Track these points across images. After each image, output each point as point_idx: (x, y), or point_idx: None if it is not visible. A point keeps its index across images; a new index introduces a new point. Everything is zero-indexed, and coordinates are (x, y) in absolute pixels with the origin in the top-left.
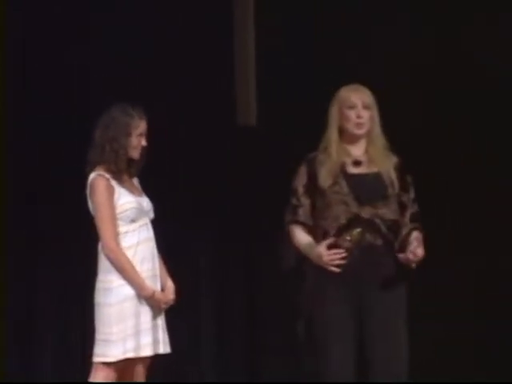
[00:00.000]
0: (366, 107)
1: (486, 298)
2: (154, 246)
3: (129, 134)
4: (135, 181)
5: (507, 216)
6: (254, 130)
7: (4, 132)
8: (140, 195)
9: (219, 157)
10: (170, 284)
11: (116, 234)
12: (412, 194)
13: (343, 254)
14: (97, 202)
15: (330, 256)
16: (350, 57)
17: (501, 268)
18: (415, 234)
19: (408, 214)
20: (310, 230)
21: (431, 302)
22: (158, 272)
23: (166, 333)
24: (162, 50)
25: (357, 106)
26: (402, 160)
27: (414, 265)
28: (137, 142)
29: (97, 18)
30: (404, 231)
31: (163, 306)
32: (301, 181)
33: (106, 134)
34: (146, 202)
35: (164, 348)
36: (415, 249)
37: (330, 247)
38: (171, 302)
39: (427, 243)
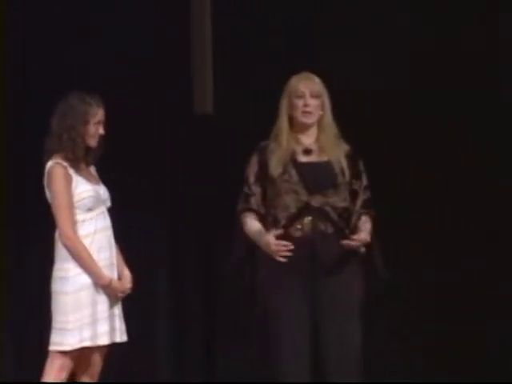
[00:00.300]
0: (313, 96)
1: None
2: (111, 234)
3: (86, 122)
4: (92, 169)
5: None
6: (211, 118)
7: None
8: (97, 183)
9: (176, 145)
10: (126, 273)
11: (73, 223)
12: (364, 182)
13: (291, 247)
14: (54, 190)
15: (277, 246)
16: (305, 45)
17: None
18: (363, 219)
19: (359, 201)
20: (262, 218)
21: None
22: (114, 261)
23: (122, 321)
24: (119, 39)
25: (305, 95)
26: (353, 148)
27: (362, 249)
28: (94, 130)
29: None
30: (354, 217)
31: (120, 295)
32: (252, 169)
33: (64, 122)
34: (102, 191)
35: (121, 336)
36: (359, 234)
37: (280, 237)
38: (128, 291)
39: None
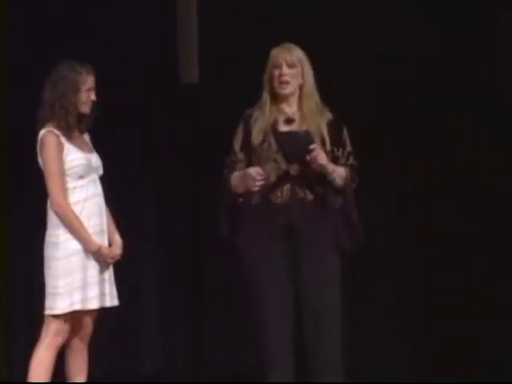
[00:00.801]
0: (289, 66)
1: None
2: (102, 201)
3: (78, 90)
4: (86, 137)
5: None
6: (196, 87)
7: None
8: (90, 152)
9: (164, 114)
10: (117, 239)
11: (64, 190)
12: (348, 148)
13: (267, 179)
14: (46, 157)
15: (255, 173)
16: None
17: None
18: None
19: (343, 164)
20: None
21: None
22: (105, 227)
23: (113, 286)
24: (105, 11)
25: (281, 65)
26: (336, 116)
27: (336, 205)
28: (86, 96)
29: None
30: None
31: (110, 261)
32: (237, 138)
33: (56, 91)
34: (95, 159)
35: (111, 301)
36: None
37: (261, 203)
38: (118, 257)
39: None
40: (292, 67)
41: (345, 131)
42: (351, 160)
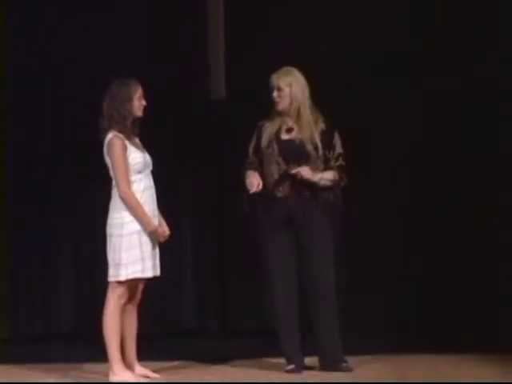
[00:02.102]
0: (278, 89)
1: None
2: (154, 192)
3: (131, 99)
4: (137, 139)
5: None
6: (224, 102)
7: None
8: (143, 151)
9: (195, 124)
10: (163, 222)
11: (129, 181)
12: (338, 150)
13: (259, 185)
14: (114, 156)
15: (251, 179)
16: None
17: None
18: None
19: (334, 166)
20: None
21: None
22: (157, 213)
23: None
24: (143, 36)
25: (273, 89)
26: (329, 125)
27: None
28: (138, 103)
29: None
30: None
31: (162, 239)
32: (252, 144)
33: (113, 104)
34: (148, 157)
35: (159, 271)
36: (304, 169)
37: (267, 197)
38: (167, 237)
39: None
40: (280, 90)
41: (336, 137)
42: (340, 161)
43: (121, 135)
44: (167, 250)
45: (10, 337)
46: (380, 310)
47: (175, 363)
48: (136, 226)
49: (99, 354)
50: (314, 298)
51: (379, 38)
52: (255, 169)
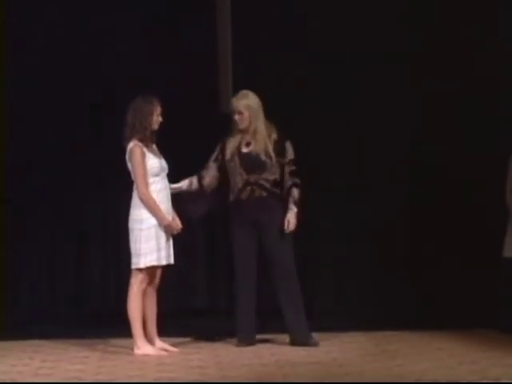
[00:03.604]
0: (239, 112)
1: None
2: (169, 192)
3: (151, 114)
4: (154, 146)
5: None
6: (231, 115)
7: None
8: (160, 157)
9: (207, 136)
10: (176, 218)
11: (147, 184)
12: (289, 157)
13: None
14: (134, 162)
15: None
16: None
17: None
18: (293, 190)
19: (287, 171)
20: (200, 179)
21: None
22: (171, 211)
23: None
24: (158, 59)
25: (234, 112)
26: (280, 135)
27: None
28: (156, 118)
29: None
30: (286, 184)
31: (175, 232)
32: (214, 154)
33: (136, 116)
34: (163, 163)
35: (173, 260)
36: (289, 221)
37: (234, 200)
38: (180, 230)
39: None
40: (240, 114)
41: (287, 145)
42: (291, 166)
43: (140, 144)
44: (179, 240)
45: (47, 317)
46: (364, 293)
47: (188, 339)
48: (153, 221)
49: (124, 331)
50: (281, 285)
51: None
52: (206, 172)
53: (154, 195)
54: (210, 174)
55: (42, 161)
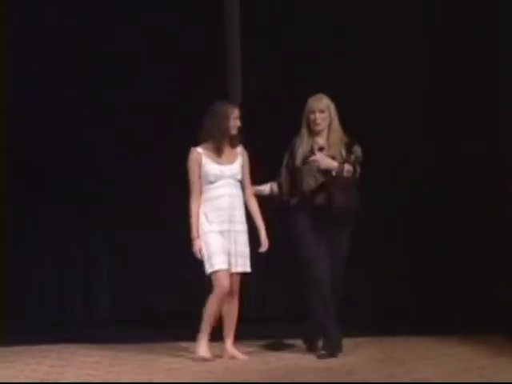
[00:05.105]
0: (321, 111)
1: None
2: (230, 199)
3: (227, 119)
4: (239, 149)
5: None
6: (241, 106)
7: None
8: (228, 163)
9: None
10: (262, 231)
11: (195, 191)
12: (352, 158)
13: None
14: (187, 168)
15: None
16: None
17: None
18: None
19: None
20: (280, 187)
21: None
22: (234, 218)
23: (241, 256)
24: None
25: (314, 112)
26: (351, 139)
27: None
28: (233, 123)
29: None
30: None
31: (195, 251)
32: (285, 158)
33: (212, 122)
34: (229, 169)
35: (242, 267)
36: (321, 158)
37: (303, 202)
38: (198, 250)
39: None
40: (322, 112)
41: (356, 148)
42: (356, 167)
43: (200, 150)
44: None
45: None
46: (370, 299)
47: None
48: (204, 228)
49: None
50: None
51: (379, 37)
52: (282, 179)
53: (206, 203)
54: (285, 181)
55: (42, 161)
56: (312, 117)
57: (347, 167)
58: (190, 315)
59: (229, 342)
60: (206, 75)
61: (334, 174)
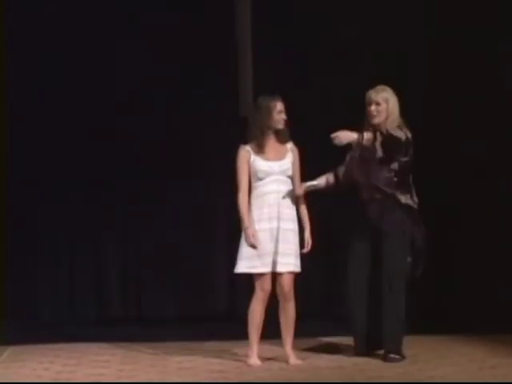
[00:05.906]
0: (377, 103)
1: None
2: (279, 196)
3: (270, 113)
4: (289, 144)
5: None
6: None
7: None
8: (278, 159)
9: (227, 139)
10: (307, 230)
11: (243, 188)
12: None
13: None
14: (236, 166)
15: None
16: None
17: None
18: None
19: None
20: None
21: None
22: (282, 216)
23: (285, 257)
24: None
25: (372, 102)
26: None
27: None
28: (277, 117)
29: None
30: None
31: (248, 240)
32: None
33: (255, 118)
34: (278, 165)
35: (286, 268)
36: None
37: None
38: (253, 239)
39: None
40: (378, 105)
41: (398, 131)
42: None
43: (248, 147)
44: None
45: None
46: None
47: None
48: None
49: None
50: (387, 297)
51: (379, 38)
52: (342, 169)
53: (256, 199)
54: (344, 171)
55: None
56: (368, 109)
57: (366, 135)
58: (202, 315)
59: (288, 347)
60: (215, 75)
61: (354, 145)
